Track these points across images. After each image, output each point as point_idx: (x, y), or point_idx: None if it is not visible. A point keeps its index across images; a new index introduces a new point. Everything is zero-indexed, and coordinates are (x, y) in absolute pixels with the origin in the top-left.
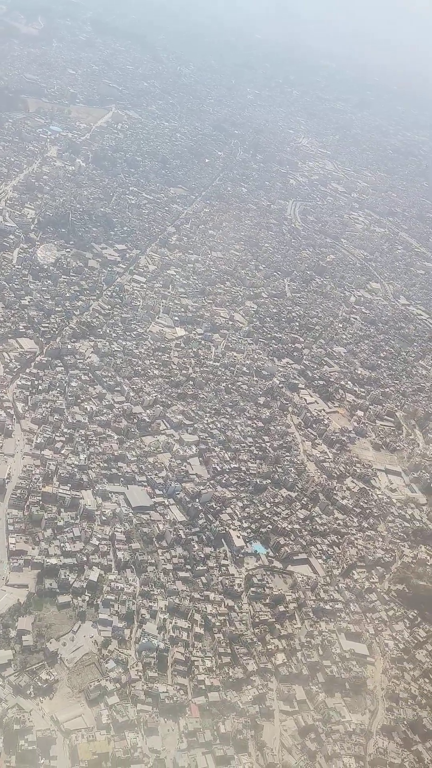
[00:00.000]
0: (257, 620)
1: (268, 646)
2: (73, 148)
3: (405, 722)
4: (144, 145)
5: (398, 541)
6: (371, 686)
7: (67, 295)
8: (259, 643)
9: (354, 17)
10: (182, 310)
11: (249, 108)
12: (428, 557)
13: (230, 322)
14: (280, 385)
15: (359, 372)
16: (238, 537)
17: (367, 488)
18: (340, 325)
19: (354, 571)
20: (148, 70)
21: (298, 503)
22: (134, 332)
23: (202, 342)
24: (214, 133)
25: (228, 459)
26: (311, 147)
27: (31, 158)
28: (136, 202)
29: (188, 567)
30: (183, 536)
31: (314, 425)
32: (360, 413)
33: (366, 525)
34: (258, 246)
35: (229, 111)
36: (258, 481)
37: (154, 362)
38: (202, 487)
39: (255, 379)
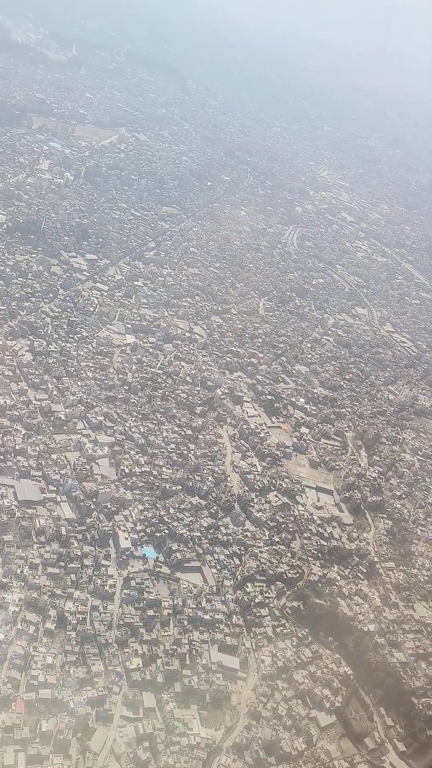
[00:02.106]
0: (122, 623)
1: (126, 650)
2: (66, 162)
3: (260, 742)
4: (143, 165)
5: (310, 558)
6: (235, 702)
7: (17, 295)
8: (116, 645)
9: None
10: (138, 318)
11: (271, 139)
12: (338, 578)
13: (187, 334)
14: (222, 397)
15: (316, 391)
16: (126, 539)
17: (291, 504)
18: (309, 345)
19: (249, 584)
20: (170, 98)
21: (206, 511)
22: (78, 335)
23: (150, 350)
24: (224, 159)
25: (142, 463)
26: (330, 179)
27: (19, 169)
28: (121, 217)
29: (62, 564)
30: (64, 533)
31: (249, 438)
32: (305, 430)
33: (277, 539)
34: (241, 266)
35: (248, 140)
36: (167, 486)
37: (90, 365)
38: (101, 487)
39: (197, 389)
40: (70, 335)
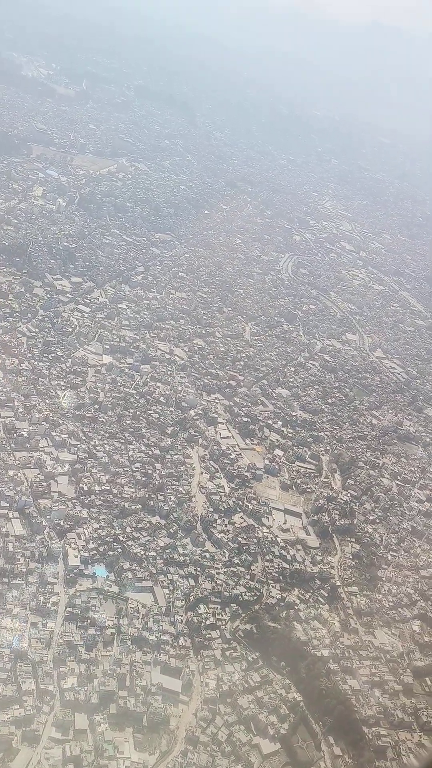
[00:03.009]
0: (61, 641)
1: (62, 668)
2: (60, 189)
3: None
4: (139, 193)
5: (270, 581)
6: (174, 725)
7: None
8: (52, 663)
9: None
10: (117, 340)
11: (275, 171)
12: (298, 601)
13: (167, 356)
14: (195, 418)
15: (295, 414)
16: (76, 557)
17: (256, 525)
18: (292, 369)
19: (202, 606)
20: (176, 130)
21: (164, 531)
22: (52, 355)
23: (126, 371)
24: (225, 188)
25: (103, 481)
26: (332, 209)
27: (11, 195)
28: (112, 242)
29: (5, 580)
30: (11, 549)
31: (219, 459)
32: (279, 453)
33: (237, 561)
34: (230, 291)
35: (251, 171)
36: (126, 505)
37: (61, 383)
38: (56, 504)
39: (171, 409)
40: (44, 355)
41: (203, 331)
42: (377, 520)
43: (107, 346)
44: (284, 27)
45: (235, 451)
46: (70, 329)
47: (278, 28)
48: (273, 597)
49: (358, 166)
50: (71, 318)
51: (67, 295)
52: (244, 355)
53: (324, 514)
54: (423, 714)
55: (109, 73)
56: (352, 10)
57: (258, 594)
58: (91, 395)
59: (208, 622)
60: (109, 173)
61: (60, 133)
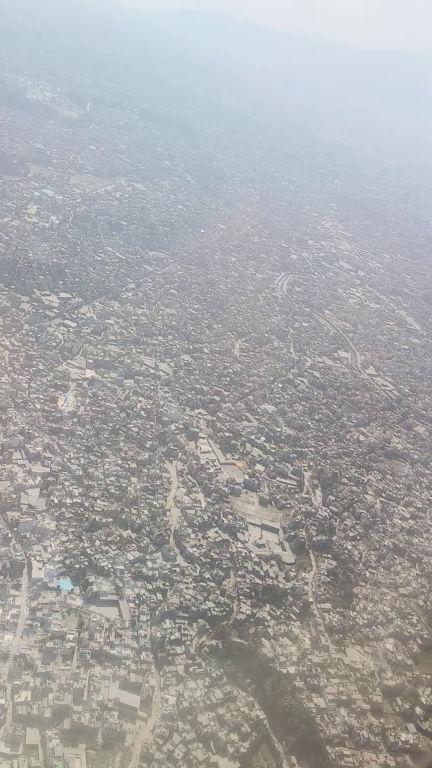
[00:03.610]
0: (18, 654)
1: (16, 682)
2: (55, 207)
3: None
4: (135, 212)
5: (241, 596)
6: (130, 742)
7: None
8: (5, 677)
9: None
10: (102, 354)
11: (276, 191)
12: (269, 617)
13: (152, 371)
14: (175, 432)
15: (279, 430)
16: (40, 569)
17: (230, 540)
18: (280, 386)
19: (168, 621)
20: (177, 152)
21: (134, 545)
22: (33, 368)
23: (109, 385)
24: (223, 208)
25: (76, 494)
26: (333, 229)
27: (5, 213)
28: (104, 259)
29: None
30: None
31: (197, 473)
32: (260, 468)
33: (208, 576)
34: (222, 308)
35: (251, 192)
36: (97, 518)
37: (40, 396)
38: (24, 517)
39: (151, 423)
40: (25, 368)
41: (191, 347)
42: (358, 537)
43: (91, 361)
44: (293, 50)
45: (214, 465)
46: (54, 344)
47: (288, 51)
48: (243, 613)
49: (361, 187)
50: (56, 333)
51: (54, 310)
52: (231, 371)
53: (301, 529)
54: (390, 734)
55: (115, 96)
56: (359, 34)
57: (227, 610)
58: (71, 409)
59: (172, 638)
60: (105, 192)
61: (59, 153)
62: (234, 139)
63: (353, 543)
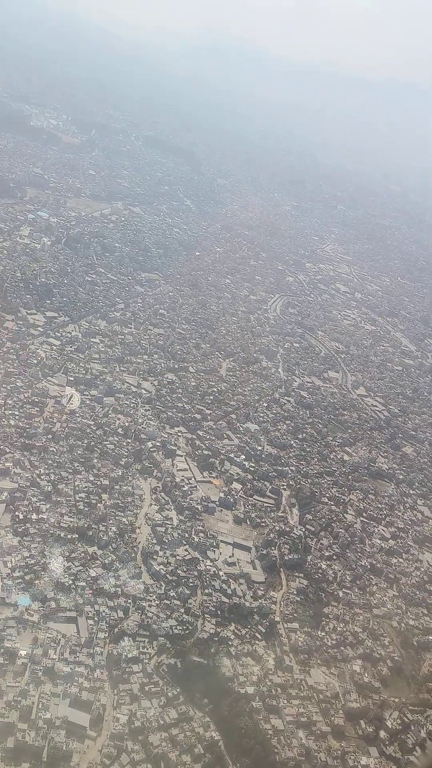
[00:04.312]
0: None
1: None
2: (48, 229)
3: None
4: (129, 235)
5: (206, 615)
6: (76, 761)
7: None
8: None
9: None
10: (83, 372)
11: (277, 216)
12: (233, 636)
13: (134, 389)
14: (152, 449)
15: (260, 448)
16: None
17: (200, 558)
18: (265, 405)
19: (128, 638)
20: (178, 177)
21: (98, 561)
22: (11, 385)
23: (88, 402)
24: (220, 231)
25: (43, 510)
26: (332, 253)
27: None
28: (94, 280)
29: None
30: None
31: (171, 491)
32: (237, 486)
33: (173, 594)
34: (212, 328)
35: (250, 216)
36: (63, 534)
37: (15, 413)
38: None
39: (128, 441)
40: (3, 385)
41: (176, 366)
42: (334, 557)
43: (72, 378)
44: (305, 81)
45: (190, 483)
46: (35, 361)
47: (299, 82)
48: (206, 632)
49: (365, 212)
50: (38, 350)
51: (39, 328)
52: (215, 389)
53: (274, 548)
54: (350, 758)
55: (120, 123)
56: (368, 65)
57: (190, 628)
58: (46, 425)
59: (130, 656)
60: (101, 215)
61: (57, 177)
62: (238, 165)
63: (328, 563)
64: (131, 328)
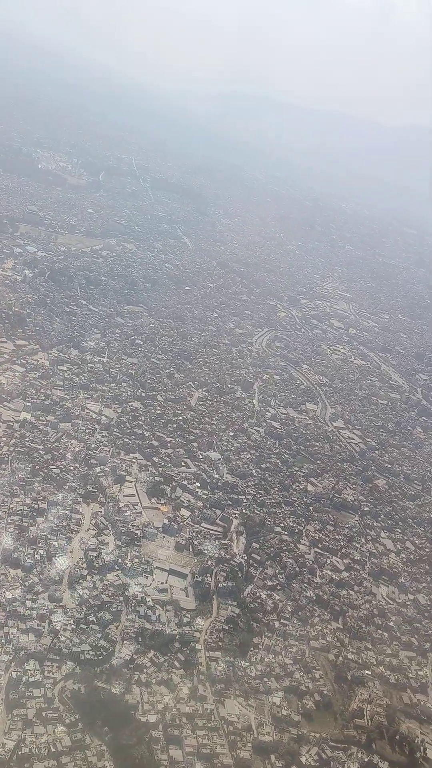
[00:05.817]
0: None
1: None
2: (33, 263)
3: None
4: (117, 269)
5: (125, 641)
6: None
7: None
8: None
9: None
10: (43, 398)
11: (279, 255)
12: (149, 663)
13: (93, 415)
14: (100, 474)
15: (218, 477)
16: None
17: (131, 583)
18: (231, 434)
19: (33, 662)
20: (180, 217)
21: (18, 584)
22: None
23: (41, 427)
24: (215, 268)
25: None
26: (332, 290)
27: None
28: (74, 311)
29: None
30: None
31: (112, 516)
32: (185, 513)
33: (92, 619)
34: (189, 359)
35: (249, 254)
36: None
37: None
38: None
39: (75, 465)
40: None
41: (143, 395)
42: (278, 587)
43: (29, 404)
44: (326, 128)
45: (135, 509)
46: None
47: (321, 129)
48: (121, 658)
49: (373, 252)
50: (1, 377)
51: (5, 355)
52: (180, 418)
53: (209, 575)
54: None
55: (130, 167)
56: (390, 111)
57: (105, 654)
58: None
59: (32, 680)
60: (92, 251)
61: (53, 215)
62: (246, 208)
63: (269, 592)
64: (104, 357)
